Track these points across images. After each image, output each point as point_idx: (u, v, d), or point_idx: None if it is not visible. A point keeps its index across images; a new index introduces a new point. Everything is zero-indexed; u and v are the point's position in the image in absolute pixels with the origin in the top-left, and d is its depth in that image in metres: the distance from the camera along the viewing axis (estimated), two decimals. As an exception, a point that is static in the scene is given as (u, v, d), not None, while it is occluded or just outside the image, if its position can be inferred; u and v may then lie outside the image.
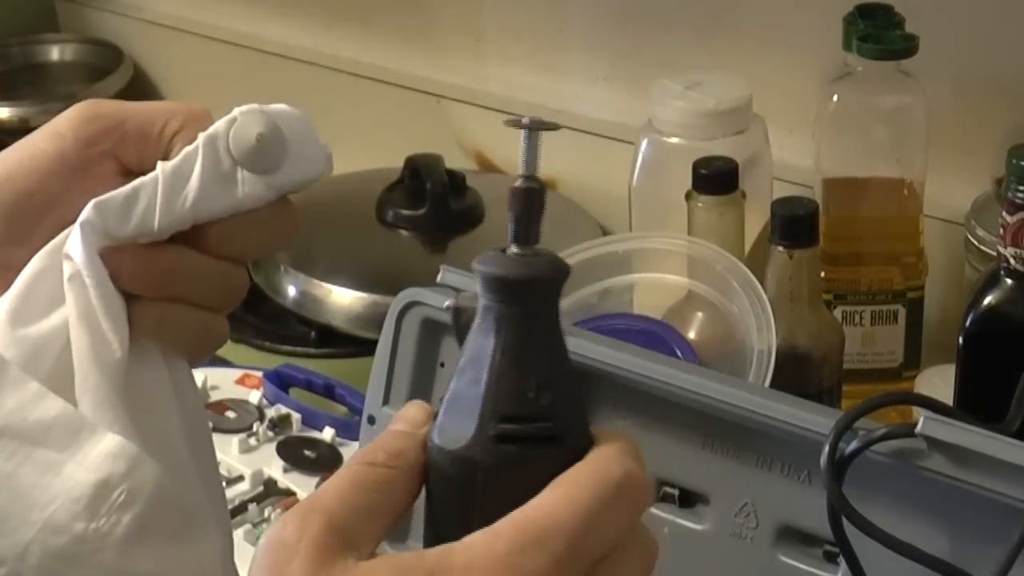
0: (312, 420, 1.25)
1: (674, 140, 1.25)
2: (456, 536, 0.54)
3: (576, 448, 0.57)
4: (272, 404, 1.27)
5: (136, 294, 0.65)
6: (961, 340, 0.99)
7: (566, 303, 1.11)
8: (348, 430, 1.22)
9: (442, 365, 0.93)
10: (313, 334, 1.38)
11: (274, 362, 1.31)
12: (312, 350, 1.38)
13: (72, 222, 0.65)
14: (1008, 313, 0.97)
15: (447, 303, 0.63)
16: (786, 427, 0.78)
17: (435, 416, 0.59)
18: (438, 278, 0.90)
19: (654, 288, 1.15)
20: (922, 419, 0.73)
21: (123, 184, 0.66)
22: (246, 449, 1.21)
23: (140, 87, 1.96)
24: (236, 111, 0.68)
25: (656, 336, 1.10)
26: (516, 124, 0.59)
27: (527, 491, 0.55)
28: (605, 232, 1.48)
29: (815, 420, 0.77)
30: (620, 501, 0.56)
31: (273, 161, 0.68)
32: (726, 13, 1.43)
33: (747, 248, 1.19)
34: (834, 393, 1.10)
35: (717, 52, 1.43)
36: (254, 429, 1.23)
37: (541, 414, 0.57)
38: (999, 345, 0.97)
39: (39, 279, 0.65)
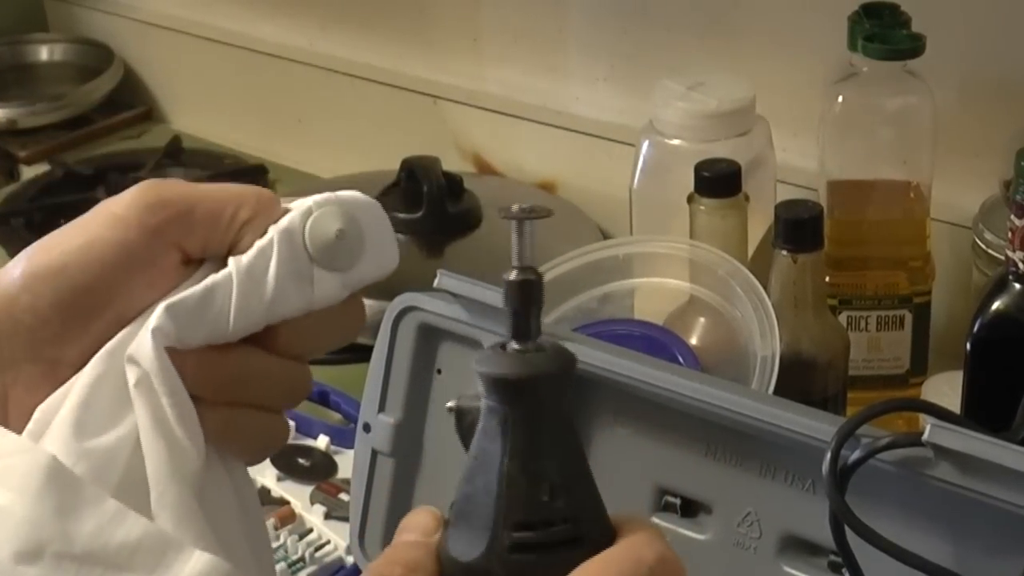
0: (306, 427, 1.25)
1: (676, 142, 1.25)
2: None
3: (599, 544, 0.55)
4: (265, 411, 1.27)
5: (199, 397, 0.62)
6: (969, 346, 0.99)
7: (567, 308, 1.12)
8: (343, 438, 1.22)
9: (439, 371, 0.92)
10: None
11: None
12: (306, 356, 1.38)
13: (131, 318, 0.62)
14: (1017, 319, 0.97)
15: (448, 404, 0.60)
16: (790, 435, 0.78)
17: (446, 523, 0.57)
18: (435, 283, 0.90)
19: (655, 293, 1.15)
20: (929, 427, 0.73)
21: (184, 275, 0.64)
22: (239, 457, 1.21)
23: (131, 88, 1.96)
24: (311, 201, 0.64)
25: (657, 342, 1.09)
26: (506, 215, 0.56)
27: None
28: (605, 236, 1.48)
29: (819, 428, 0.77)
30: None
31: (351, 257, 0.65)
32: (729, 13, 1.43)
33: (750, 252, 1.19)
34: (839, 400, 1.10)
35: (719, 52, 1.43)
36: (247, 437, 1.23)
37: (557, 517, 0.55)
38: (1008, 351, 0.97)
39: (100, 385, 0.61)
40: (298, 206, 0.65)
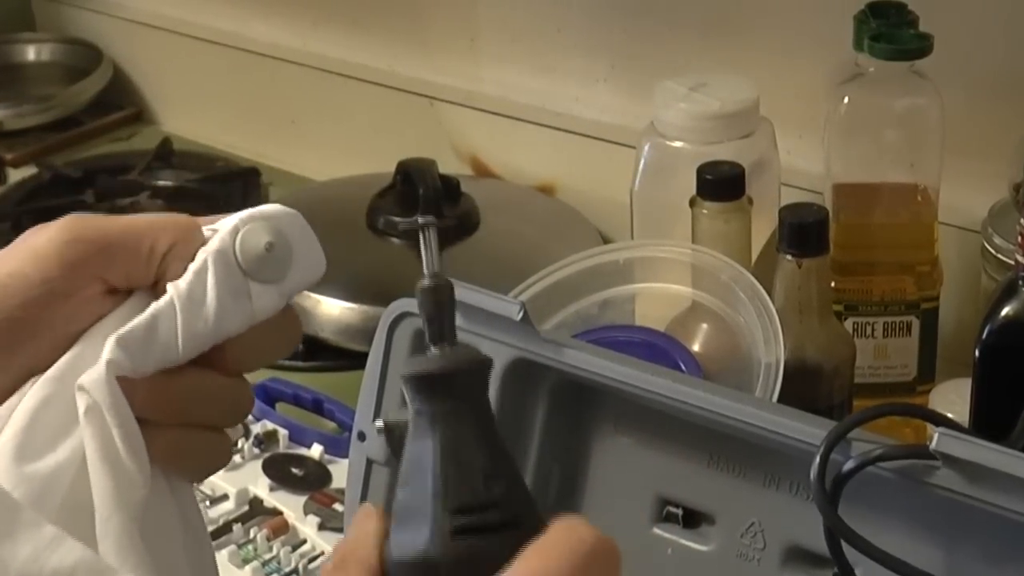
0: (300, 436, 1.25)
1: (678, 144, 1.25)
2: None
3: (536, 529, 0.57)
4: (258, 420, 1.27)
5: (146, 419, 0.65)
6: (977, 353, 0.99)
7: (566, 314, 1.12)
8: (337, 447, 1.22)
9: (435, 378, 0.93)
10: (300, 346, 1.38)
11: (260, 376, 1.31)
12: (300, 363, 1.38)
13: (55, 349, 0.65)
14: (1026, 324, 0.97)
15: (377, 423, 0.64)
16: (795, 444, 0.78)
17: (387, 533, 0.59)
18: (431, 288, 0.90)
19: (657, 298, 1.16)
20: (937, 435, 0.73)
21: (109, 304, 0.66)
22: (231, 467, 1.21)
23: (120, 89, 1.97)
24: (236, 219, 0.68)
25: (659, 348, 1.10)
26: (409, 226, 0.62)
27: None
28: (606, 240, 1.48)
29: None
30: (595, 565, 0.55)
31: (283, 269, 0.68)
32: (732, 12, 1.43)
33: (754, 257, 1.19)
34: (845, 408, 1.10)
35: (722, 52, 1.43)
36: (239, 446, 1.23)
37: (494, 501, 0.58)
38: (1017, 358, 0.97)
39: (43, 410, 0.64)
40: (223, 225, 0.68)
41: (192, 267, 0.66)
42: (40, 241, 0.67)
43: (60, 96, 1.92)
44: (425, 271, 0.61)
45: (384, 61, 1.70)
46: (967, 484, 0.73)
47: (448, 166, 1.55)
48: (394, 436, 0.62)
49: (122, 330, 0.64)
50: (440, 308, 0.60)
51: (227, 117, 1.87)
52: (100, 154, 1.87)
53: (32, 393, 0.64)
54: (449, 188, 1.48)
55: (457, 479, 0.58)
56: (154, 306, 0.65)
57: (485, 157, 1.65)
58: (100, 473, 0.62)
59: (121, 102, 1.97)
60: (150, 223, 0.68)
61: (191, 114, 1.92)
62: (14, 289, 0.65)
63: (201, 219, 0.69)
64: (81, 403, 0.63)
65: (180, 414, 0.67)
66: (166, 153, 1.82)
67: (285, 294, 0.69)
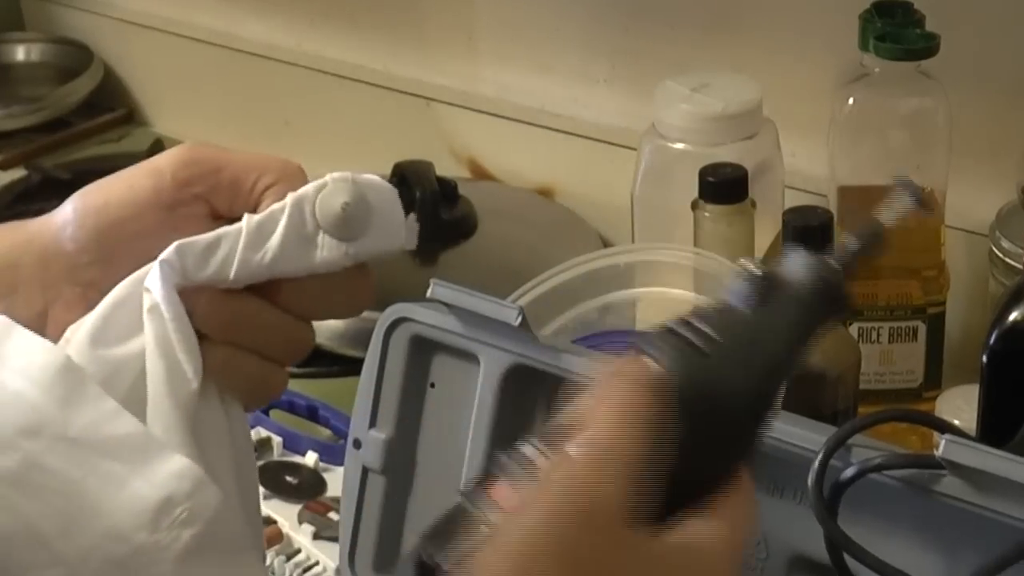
0: (294, 444, 1.25)
1: (679, 146, 1.26)
2: None
3: None
4: (252, 427, 1.27)
5: (205, 334, 0.72)
6: (985, 359, 0.99)
7: (566, 319, 1.12)
8: (332, 455, 1.22)
9: (432, 385, 0.93)
10: (295, 352, 1.38)
11: (253, 382, 1.31)
12: (294, 369, 1.37)
13: (157, 255, 0.72)
14: (1035, 330, 0.97)
15: (746, 262, 0.67)
16: (798, 451, 0.78)
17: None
18: (428, 293, 0.90)
19: (658, 303, 1.15)
20: (943, 442, 0.73)
21: (211, 227, 0.73)
22: (223, 475, 1.21)
23: (111, 90, 1.96)
24: (328, 177, 0.75)
25: (660, 354, 1.09)
26: None
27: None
28: (606, 243, 1.48)
29: (830, 444, 0.77)
30: None
31: (356, 230, 0.74)
32: (735, 10, 1.43)
33: (757, 261, 1.19)
34: (850, 415, 1.10)
35: (725, 52, 1.43)
36: (232, 454, 1.23)
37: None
38: (1025, 364, 0.98)
39: (121, 305, 0.72)
40: (319, 179, 0.75)
41: (273, 206, 0.73)
42: (162, 158, 0.77)
43: (50, 97, 1.91)
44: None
45: (380, 61, 1.70)
46: (975, 493, 0.73)
47: (445, 168, 1.55)
48: (764, 286, 0.65)
49: (186, 240, 0.72)
50: (868, 244, 0.69)
51: (220, 118, 1.87)
52: (90, 156, 1.87)
53: (115, 291, 0.72)
54: (446, 191, 1.48)
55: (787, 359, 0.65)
56: (224, 228, 0.73)
57: (483, 159, 1.65)
58: (155, 362, 0.70)
59: (112, 103, 1.97)
60: (261, 160, 0.76)
61: (183, 115, 1.92)
62: (131, 195, 0.76)
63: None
64: (146, 302, 0.71)
65: (234, 334, 0.73)
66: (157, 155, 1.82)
67: (352, 255, 0.74)
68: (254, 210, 0.74)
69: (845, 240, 0.69)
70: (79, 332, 0.72)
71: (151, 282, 0.71)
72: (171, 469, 0.68)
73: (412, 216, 0.77)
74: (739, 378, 0.62)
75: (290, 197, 0.73)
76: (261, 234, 0.72)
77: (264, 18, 1.80)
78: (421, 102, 1.67)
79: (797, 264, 0.66)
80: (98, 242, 0.75)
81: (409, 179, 1.45)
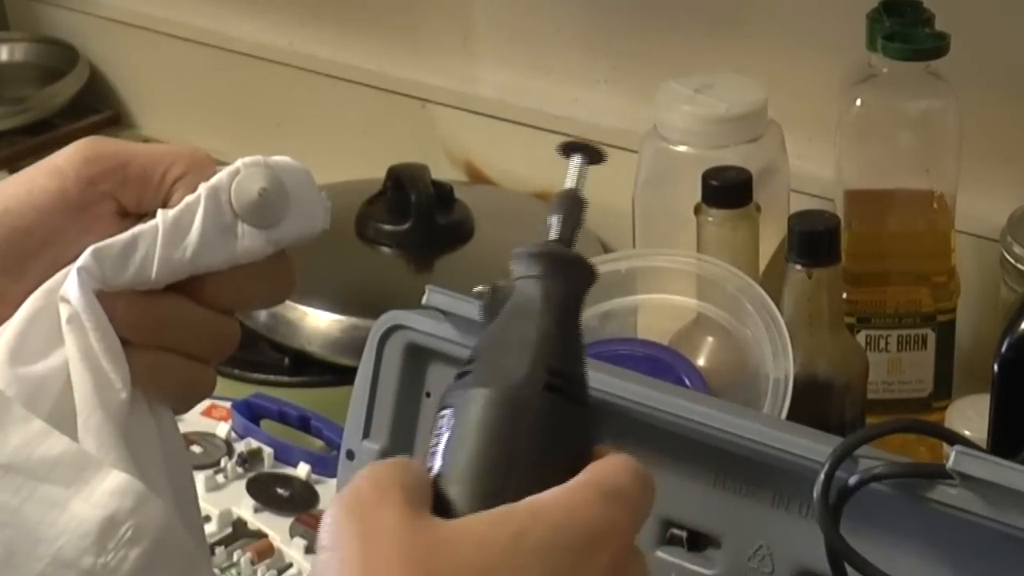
0: (285, 455, 1.25)
1: (682, 148, 1.26)
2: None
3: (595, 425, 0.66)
4: (241, 437, 1.27)
5: (127, 340, 0.70)
6: (996, 367, 0.99)
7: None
8: (325, 466, 1.22)
9: (428, 394, 0.93)
10: (286, 360, 1.38)
11: (244, 391, 1.31)
12: (285, 378, 1.38)
13: (68, 260, 0.70)
14: (1048, 338, 0.97)
15: (478, 289, 0.73)
16: (804, 463, 0.78)
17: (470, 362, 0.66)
18: (423, 299, 0.90)
19: (660, 310, 1.16)
20: (954, 454, 0.73)
21: (121, 225, 0.72)
22: (213, 487, 1.21)
23: (97, 91, 1.97)
24: (239, 163, 0.73)
25: (662, 363, 1.10)
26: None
27: (566, 447, 0.64)
28: (606, 249, 1.48)
29: (836, 455, 0.77)
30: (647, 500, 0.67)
31: (275, 216, 0.73)
32: (739, 10, 1.43)
33: (762, 267, 1.19)
34: (857, 425, 1.10)
35: (729, 52, 1.44)
36: (222, 465, 1.23)
37: (580, 378, 0.67)
38: (1038, 373, 0.98)
39: (37, 319, 0.70)
40: (230, 166, 0.74)
41: (187, 198, 0.72)
42: (60, 157, 0.74)
43: (34, 98, 1.92)
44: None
45: (374, 61, 1.70)
46: (986, 506, 0.73)
47: (441, 171, 1.55)
48: (497, 298, 0.69)
49: (101, 243, 0.70)
50: (572, 214, 0.74)
51: (210, 120, 1.87)
52: (76, 159, 1.87)
53: (29, 303, 0.70)
54: (442, 195, 1.48)
55: (557, 341, 0.66)
56: (139, 227, 0.71)
57: (480, 162, 1.65)
58: (81, 375, 0.68)
59: (98, 104, 1.97)
60: (167, 151, 0.74)
61: (172, 117, 1.92)
62: (32, 199, 0.72)
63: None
64: (64, 312, 0.69)
65: (158, 336, 0.72)
66: (145, 158, 1.82)
67: (273, 241, 0.73)
68: (165, 204, 0.72)
69: (548, 220, 0.73)
70: None
71: (68, 291, 0.69)
72: (110, 486, 0.66)
73: (324, 194, 0.77)
74: (511, 366, 0.65)
75: (203, 188, 0.72)
76: (179, 229, 0.71)
77: (255, 17, 1.80)
78: (416, 103, 1.67)
79: (519, 264, 0.70)
80: (2, 253, 0.72)
81: (404, 182, 1.45)
